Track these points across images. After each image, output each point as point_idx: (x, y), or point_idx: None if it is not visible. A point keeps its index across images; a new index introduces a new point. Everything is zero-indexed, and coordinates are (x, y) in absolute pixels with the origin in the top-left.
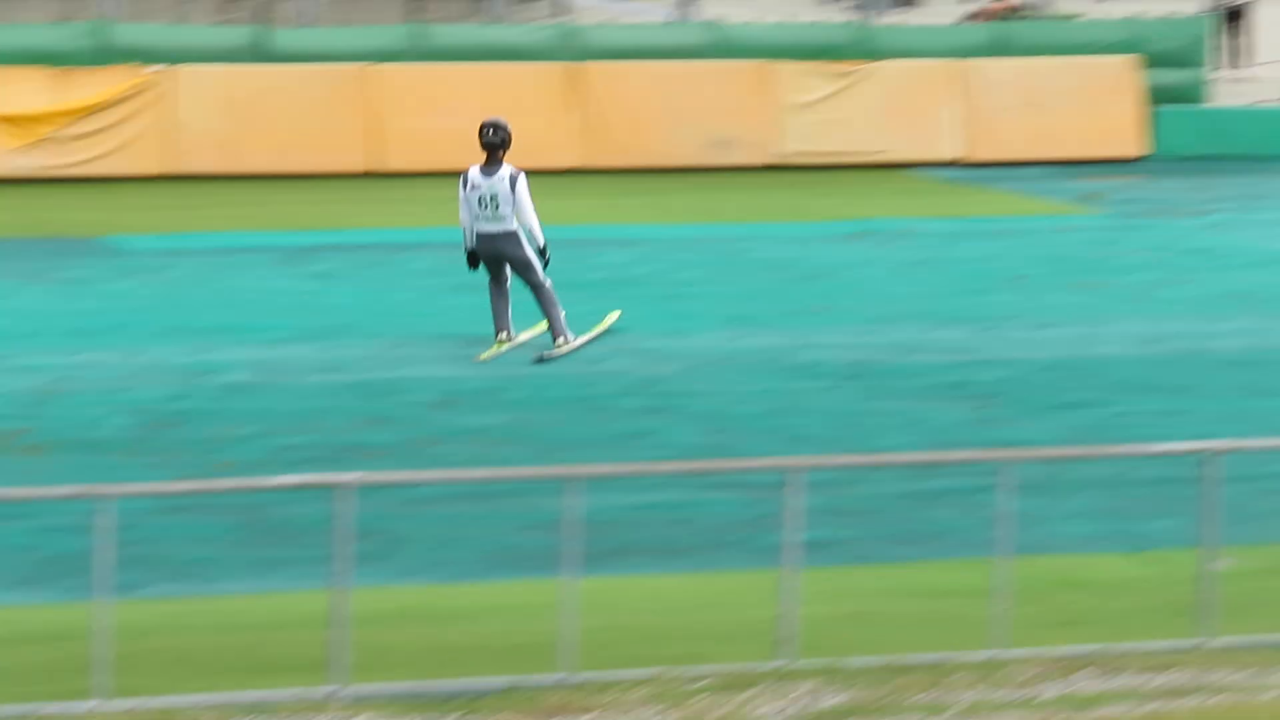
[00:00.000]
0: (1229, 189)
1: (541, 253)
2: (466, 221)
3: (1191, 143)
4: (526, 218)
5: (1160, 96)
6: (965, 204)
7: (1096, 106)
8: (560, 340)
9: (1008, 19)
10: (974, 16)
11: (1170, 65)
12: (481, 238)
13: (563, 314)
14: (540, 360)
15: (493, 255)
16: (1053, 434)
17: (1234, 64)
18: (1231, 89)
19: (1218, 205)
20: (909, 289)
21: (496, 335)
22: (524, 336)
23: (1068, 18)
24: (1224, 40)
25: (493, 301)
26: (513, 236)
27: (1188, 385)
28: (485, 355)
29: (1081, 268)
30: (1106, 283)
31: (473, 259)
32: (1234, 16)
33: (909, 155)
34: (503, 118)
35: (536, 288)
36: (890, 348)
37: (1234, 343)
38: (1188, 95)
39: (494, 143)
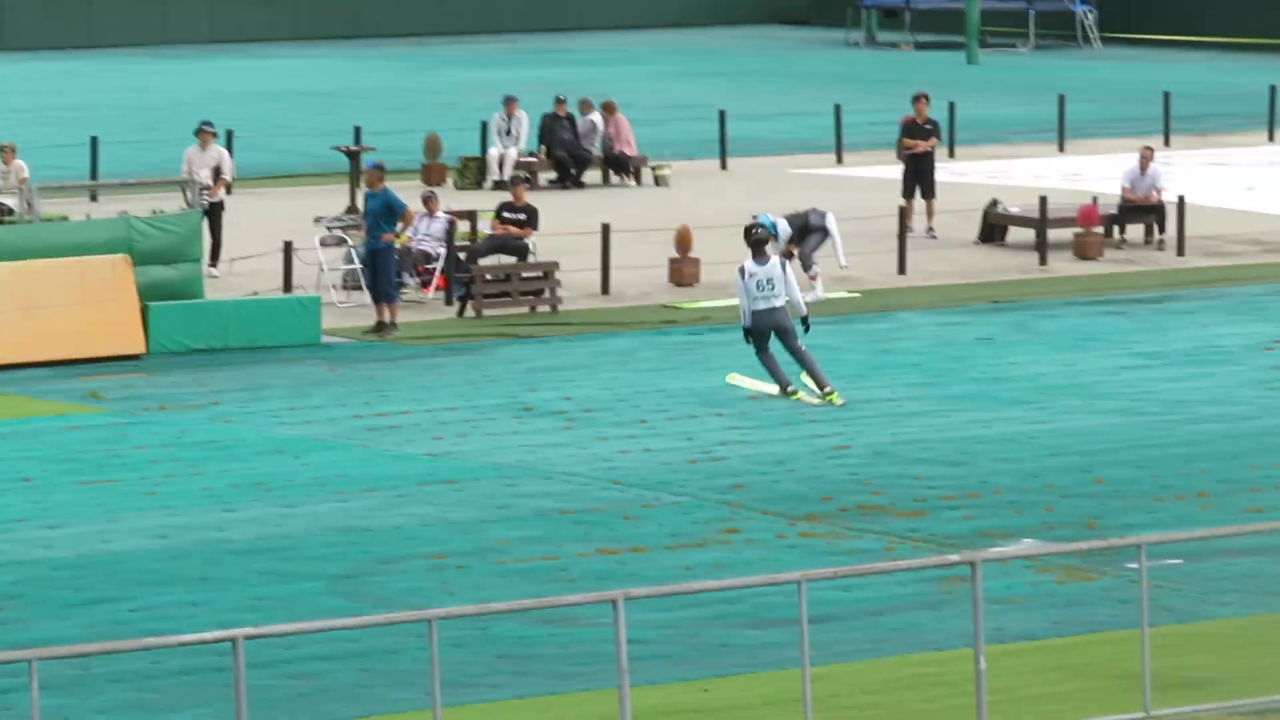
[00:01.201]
0: (229, 381)
1: (804, 321)
2: (745, 305)
3: (188, 337)
4: (796, 294)
5: (154, 293)
6: None
7: (93, 305)
8: (827, 389)
9: None
10: None
11: (162, 262)
12: (759, 314)
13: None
14: (826, 400)
15: (771, 326)
16: (76, 633)
17: (214, 259)
18: (223, 282)
19: (220, 397)
20: None
21: (786, 389)
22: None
23: (59, 219)
24: (207, 235)
25: (768, 364)
26: (784, 310)
27: (207, 576)
28: (801, 396)
29: (90, 466)
30: (117, 479)
31: (749, 334)
32: (212, 213)
33: None
34: (766, 215)
35: (796, 350)
36: None
37: (248, 531)
38: (181, 291)
39: (762, 239)
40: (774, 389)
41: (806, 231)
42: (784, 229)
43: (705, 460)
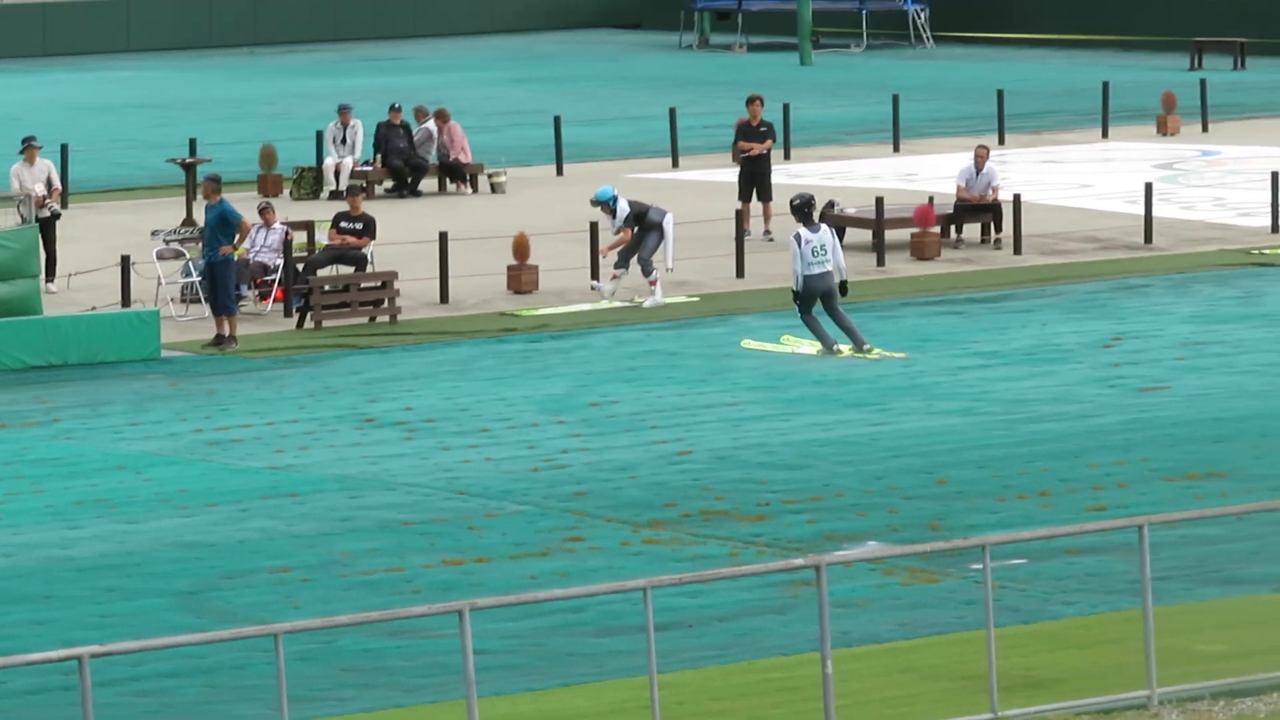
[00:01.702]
0: (70, 397)
1: (843, 285)
2: (799, 270)
3: (26, 354)
4: (840, 259)
5: None
6: None
7: None
8: (866, 346)
9: None
10: None
11: (3, 278)
12: (811, 279)
13: None
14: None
15: (821, 290)
16: None
17: (50, 274)
18: (60, 298)
19: (61, 413)
20: None
21: (833, 348)
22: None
23: None
24: (43, 251)
25: (814, 325)
26: (831, 275)
27: (51, 594)
28: (853, 352)
29: None
30: None
31: (797, 297)
32: (45, 228)
33: None
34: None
35: (837, 312)
36: None
37: (92, 548)
38: (18, 307)
39: (812, 207)
40: (816, 347)
41: (645, 226)
42: (624, 208)
43: (548, 468)
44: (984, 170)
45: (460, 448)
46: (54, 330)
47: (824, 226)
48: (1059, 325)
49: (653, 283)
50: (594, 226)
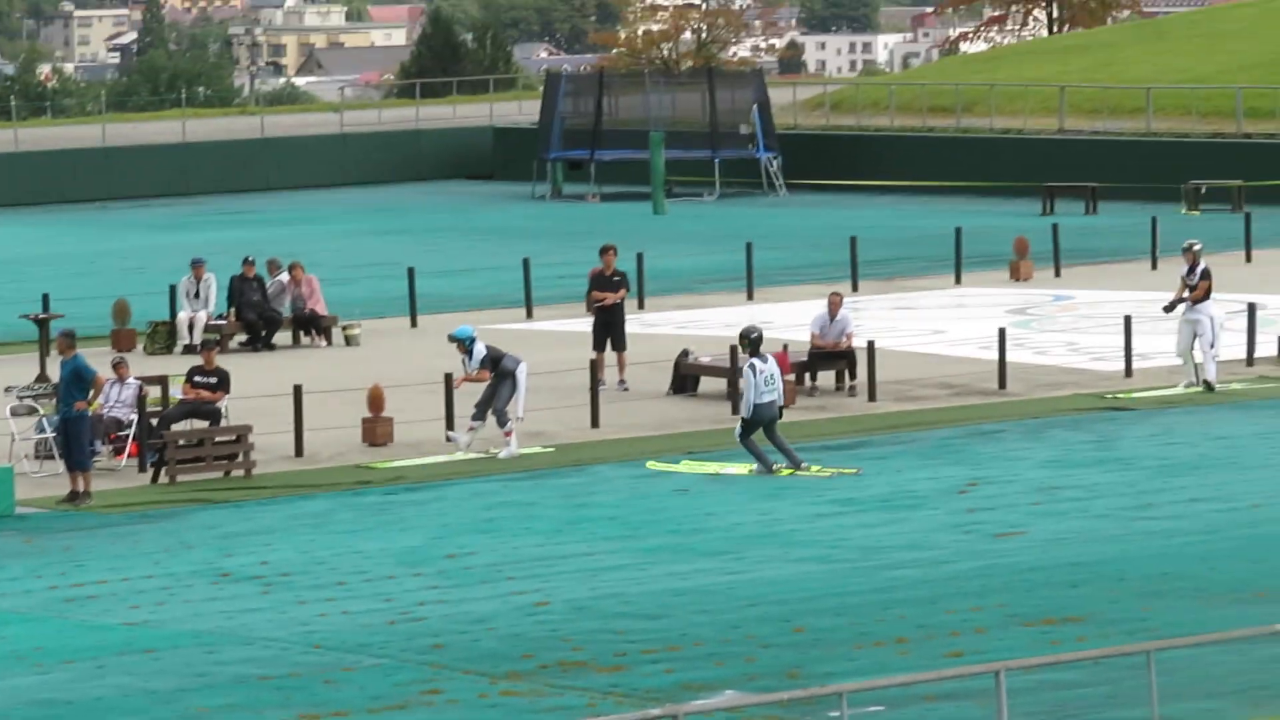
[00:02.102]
0: None
1: (780, 411)
2: (751, 398)
3: None
4: (780, 389)
5: None
6: None
7: None
8: (804, 464)
9: None
10: None
11: None
12: (761, 407)
13: None
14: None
15: (769, 417)
16: None
17: None
18: None
19: None
20: None
21: (772, 468)
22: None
23: None
24: None
25: (753, 448)
26: (776, 403)
27: None
28: (791, 470)
29: None
30: None
31: (746, 425)
32: None
33: None
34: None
35: (776, 436)
36: None
37: None
38: None
39: (761, 339)
40: (750, 468)
41: (499, 374)
42: (481, 350)
43: (404, 621)
44: (838, 317)
45: (316, 601)
46: None
47: (770, 357)
48: (914, 472)
49: (507, 434)
50: (448, 379)
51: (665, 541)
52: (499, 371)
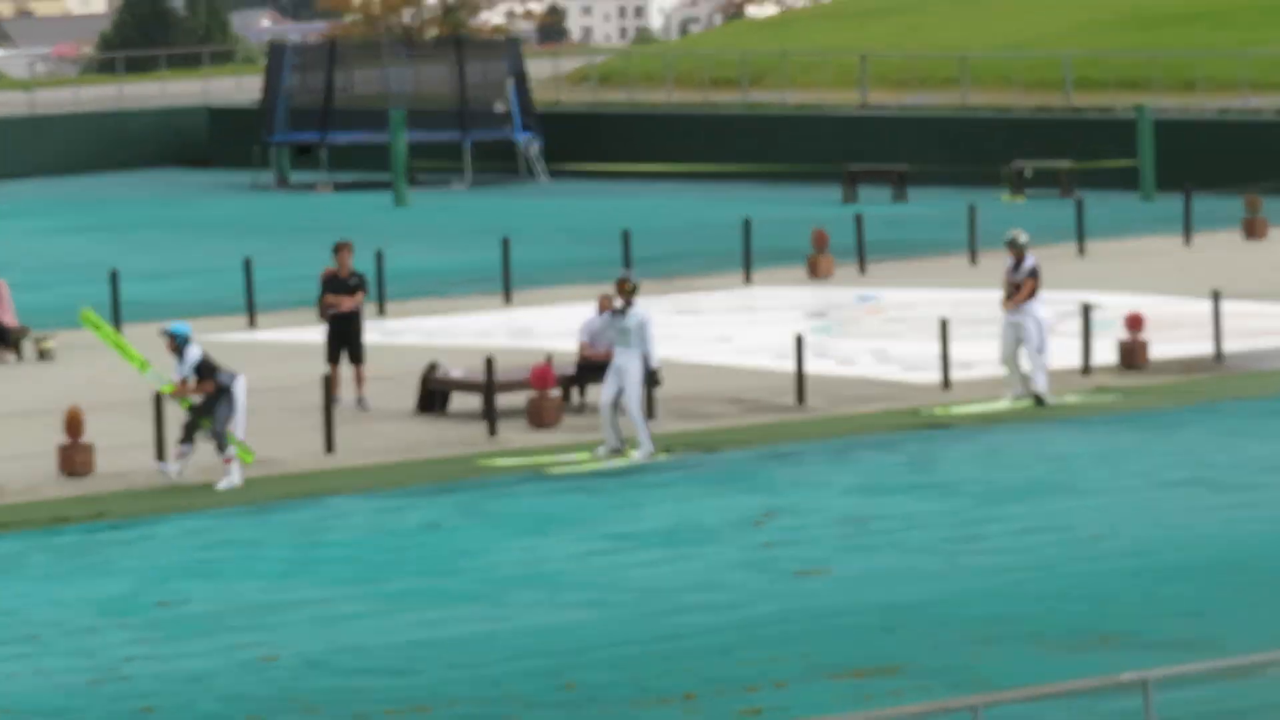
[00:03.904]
0: None
1: None
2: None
3: None
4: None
5: None
6: None
7: None
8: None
9: None
10: None
11: None
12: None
13: None
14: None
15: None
16: None
17: None
18: None
19: None
20: None
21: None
22: None
23: None
24: None
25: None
26: None
27: None
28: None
29: None
30: None
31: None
32: None
33: None
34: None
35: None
36: None
37: None
38: None
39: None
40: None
41: (217, 388)
42: (195, 354)
43: (110, 680)
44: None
45: (6, 659)
46: None
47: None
48: (701, 501)
49: (227, 460)
50: (159, 398)
51: (412, 585)
52: (216, 382)
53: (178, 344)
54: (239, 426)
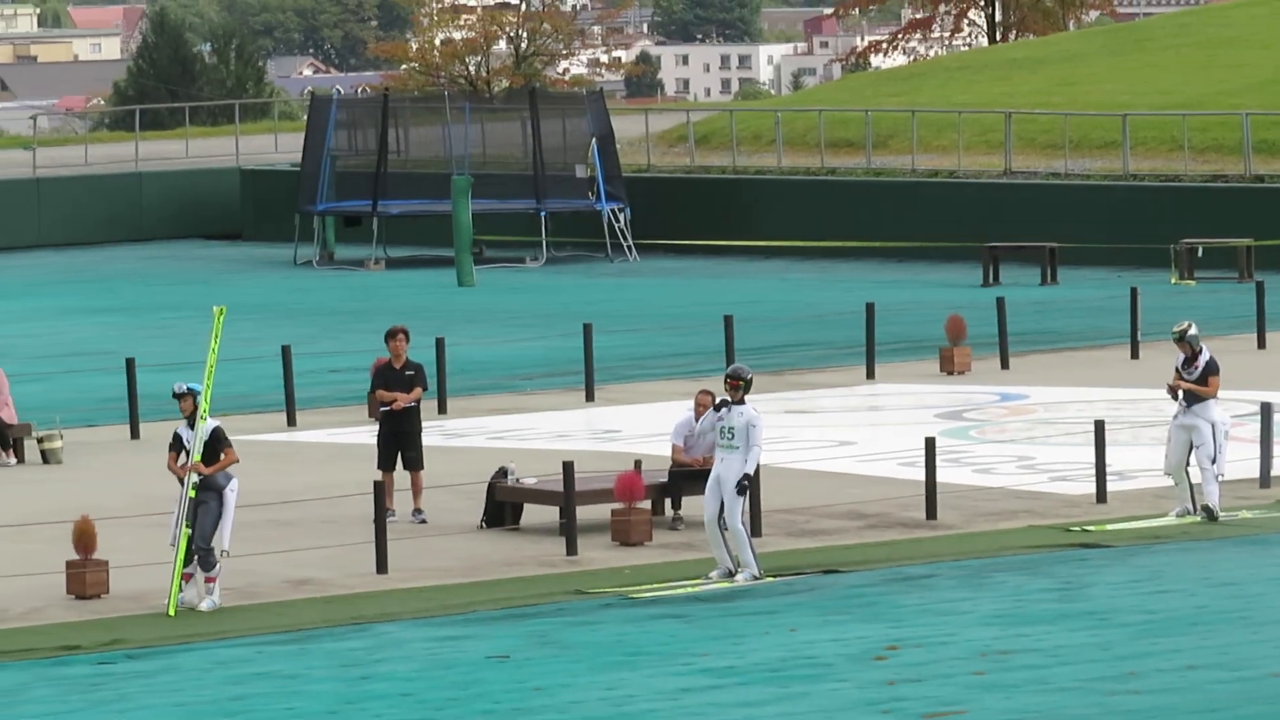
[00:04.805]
0: None
1: None
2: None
3: None
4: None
5: None
6: None
7: None
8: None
9: None
10: None
11: None
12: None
13: None
14: None
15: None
16: None
17: None
18: None
19: None
20: None
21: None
22: None
23: None
24: None
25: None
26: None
27: None
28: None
29: None
30: None
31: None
32: None
33: None
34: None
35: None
36: None
37: None
38: None
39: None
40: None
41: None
42: (185, 434)
43: None
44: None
45: None
46: None
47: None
48: (813, 632)
49: (210, 579)
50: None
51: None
52: (204, 483)
53: (196, 403)
54: (226, 533)
